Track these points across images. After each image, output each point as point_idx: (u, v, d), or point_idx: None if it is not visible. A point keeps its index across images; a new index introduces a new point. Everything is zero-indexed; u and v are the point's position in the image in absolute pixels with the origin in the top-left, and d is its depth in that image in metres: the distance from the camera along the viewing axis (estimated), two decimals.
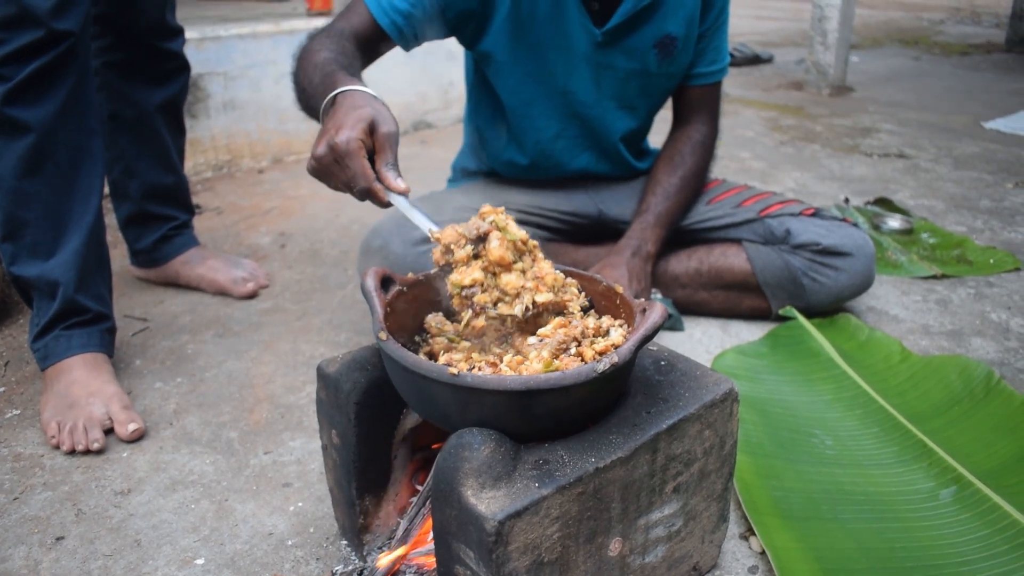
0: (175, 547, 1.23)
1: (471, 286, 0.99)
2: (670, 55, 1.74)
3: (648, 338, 0.93)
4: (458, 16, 1.64)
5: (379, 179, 1.11)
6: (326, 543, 1.23)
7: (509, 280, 0.99)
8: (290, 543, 1.24)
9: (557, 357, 0.94)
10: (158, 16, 1.85)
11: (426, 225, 1.07)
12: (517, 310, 0.98)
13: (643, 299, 1.00)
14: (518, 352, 0.96)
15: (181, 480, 1.39)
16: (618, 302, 1.07)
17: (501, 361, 0.95)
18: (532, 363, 0.93)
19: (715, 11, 1.77)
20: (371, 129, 1.13)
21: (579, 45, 1.69)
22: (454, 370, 0.86)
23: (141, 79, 1.90)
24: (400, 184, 1.11)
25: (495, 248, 0.98)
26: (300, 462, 1.42)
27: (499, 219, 1.00)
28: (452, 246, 1.00)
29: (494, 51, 1.69)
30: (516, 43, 1.68)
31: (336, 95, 1.21)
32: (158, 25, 1.87)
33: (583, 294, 1.09)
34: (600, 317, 1.07)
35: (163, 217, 2.04)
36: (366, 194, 1.12)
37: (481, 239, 1.00)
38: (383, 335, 0.94)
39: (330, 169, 1.14)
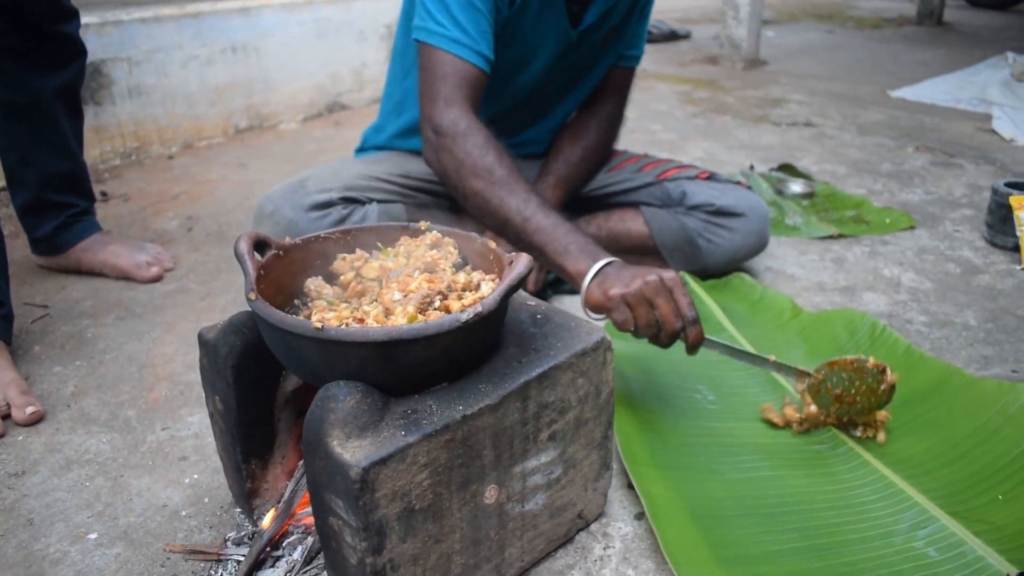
0: (68, 524, 1.23)
1: None
2: (610, 42, 1.78)
3: (514, 288, 0.95)
4: (500, 26, 1.63)
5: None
6: (220, 512, 1.24)
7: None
8: (184, 513, 1.24)
9: (423, 312, 0.96)
10: None
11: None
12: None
13: (513, 252, 1.02)
14: (385, 308, 0.98)
15: (77, 459, 1.38)
16: (491, 258, 1.09)
17: (369, 317, 0.96)
18: (397, 318, 0.95)
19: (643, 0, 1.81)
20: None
21: (556, 46, 1.71)
22: (318, 324, 0.88)
23: (36, 64, 1.85)
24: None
25: None
26: (197, 436, 1.43)
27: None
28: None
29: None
30: (505, 47, 1.67)
31: (604, 266, 1.31)
32: (53, 7, 1.82)
33: (457, 251, 1.11)
34: (472, 273, 1.09)
35: (62, 204, 2.01)
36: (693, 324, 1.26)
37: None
38: (252, 295, 0.95)
39: (653, 300, 1.24)
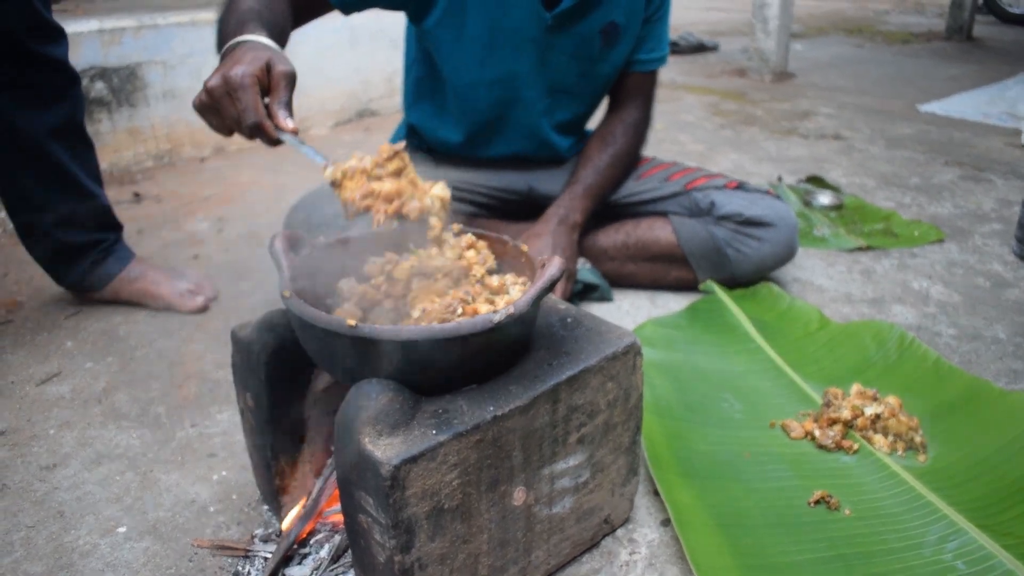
0: (98, 517, 1.24)
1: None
2: (613, 43, 1.77)
3: (546, 290, 0.96)
4: None
5: (270, 116, 1.10)
6: (248, 508, 1.25)
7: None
8: (212, 509, 1.25)
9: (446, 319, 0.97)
10: (29, 8, 1.62)
11: (317, 159, 1.10)
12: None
13: (544, 256, 1.03)
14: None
15: (107, 454, 1.39)
16: (523, 261, 1.10)
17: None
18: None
19: (658, 0, 1.81)
20: (268, 68, 1.11)
21: (527, 29, 1.69)
22: (352, 321, 0.89)
23: (25, 98, 1.68)
24: (289, 123, 1.10)
25: None
26: (226, 433, 1.44)
27: None
28: None
29: (440, 30, 1.69)
30: (462, 23, 1.67)
31: (237, 43, 1.17)
32: (36, 25, 1.65)
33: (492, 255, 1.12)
34: (505, 276, 1.09)
35: (88, 244, 1.85)
36: (255, 130, 1.10)
37: None
38: (286, 292, 0.96)
39: (220, 102, 1.10)
